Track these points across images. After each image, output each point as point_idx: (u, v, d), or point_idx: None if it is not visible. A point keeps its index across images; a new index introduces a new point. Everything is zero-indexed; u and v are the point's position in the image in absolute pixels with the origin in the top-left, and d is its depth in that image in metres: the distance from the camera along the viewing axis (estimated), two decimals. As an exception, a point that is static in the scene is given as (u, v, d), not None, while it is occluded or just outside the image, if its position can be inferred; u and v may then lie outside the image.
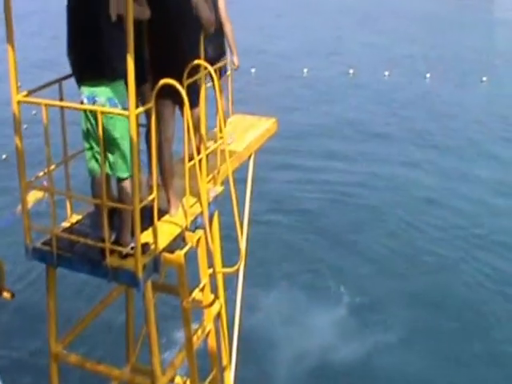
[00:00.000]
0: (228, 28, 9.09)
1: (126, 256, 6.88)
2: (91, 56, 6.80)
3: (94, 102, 6.80)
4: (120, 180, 6.99)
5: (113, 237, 6.99)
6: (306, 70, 30.70)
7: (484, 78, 30.48)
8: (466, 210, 18.87)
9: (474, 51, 36.59)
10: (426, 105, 27.21)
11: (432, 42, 38.25)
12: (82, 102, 6.90)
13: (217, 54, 9.00)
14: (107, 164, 6.93)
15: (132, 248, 6.82)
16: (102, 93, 6.79)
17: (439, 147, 22.96)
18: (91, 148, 6.99)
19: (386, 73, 30.87)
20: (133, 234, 6.76)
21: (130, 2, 6.06)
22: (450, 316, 15.07)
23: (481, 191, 19.85)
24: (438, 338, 14.48)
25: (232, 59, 9.45)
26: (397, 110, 26.64)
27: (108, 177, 7.12)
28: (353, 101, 27.34)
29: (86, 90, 6.84)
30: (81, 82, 6.92)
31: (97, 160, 6.96)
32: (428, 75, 30.65)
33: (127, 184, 6.92)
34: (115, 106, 6.75)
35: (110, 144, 6.84)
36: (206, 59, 8.00)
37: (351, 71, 30.85)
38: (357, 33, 40.25)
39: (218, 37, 8.88)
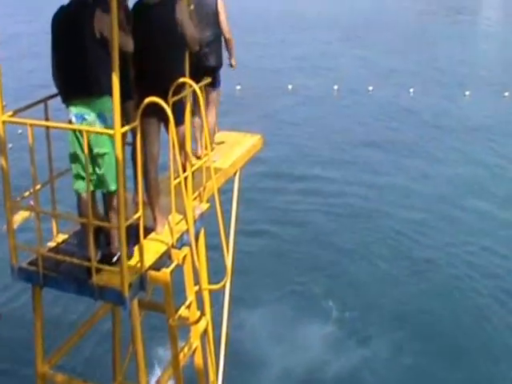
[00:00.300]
0: (229, 39, 9.65)
1: (115, 262, 6.94)
2: (78, 74, 6.85)
3: (83, 120, 6.84)
4: (110, 194, 7.03)
5: (99, 254, 7.00)
6: (290, 86, 30.77)
7: (467, 92, 30.66)
8: (457, 219, 18.89)
9: (458, 65, 36.94)
10: (409, 119, 27.32)
11: (416, 56, 38.56)
12: (70, 121, 6.93)
13: (217, 63, 9.58)
14: (96, 180, 6.98)
15: (118, 259, 6.86)
16: (91, 109, 6.84)
17: (426, 158, 23.04)
18: (78, 166, 7.01)
19: (370, 88, 30.99)
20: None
21: (115, 28, 6.09)
22: (438, 333, 15.01)
23: (469, 199, 19.93)
24: (427, 356, 14.44)
25: (231, 61, 10.07)
26: (380, 123, 26.72)
27: (94, 195, 7.17)
28: (337, 116, 27.41)
29: (74, 109, 6.88)
30: (68, 100, 6.96)
31: (83, 178, 6.98)
32: (412, 90, 30.78)
33: (116, 199, 6.95)
34: (105, 122, 6.80)
35: (98, 159, 6.88)
36: (208, 67, 9.13)
37: (335, 87, 30.94)
38: (341, 48, 40.45)
39: (218, 47, 9.52)
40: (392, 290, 16.13)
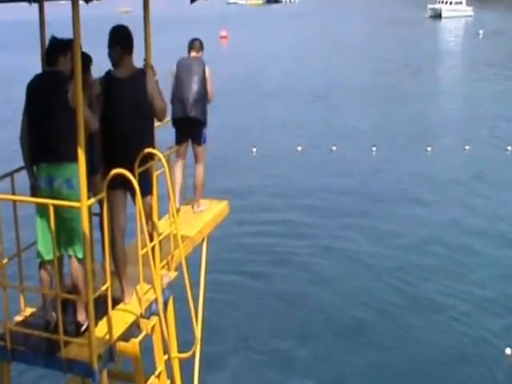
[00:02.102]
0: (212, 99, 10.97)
1: (83, 332, 6.92)
2: (49, 140, 6.96)
3: (52, 185, 6.90)
4: (78, 260, 7.05)
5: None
6: (254, 150, 30.99)
7: (429, 148, 31.16)
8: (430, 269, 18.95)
9: (419, 121, 37.50)
10: (372, 177, 27.61)
11: (379, 115, 39.11)
12: (39, 187, 7.00)
13: (201, 118, 10.67)
14: (64, 243, 7.00)
15: (86, 329, 6.84)
16: (60, 174, 6.90)
17: (388, 218, 23.20)
18: (45, 232, 7.03)
19: (334, 147, 31.29)
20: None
21: (81, 107, 6.20)
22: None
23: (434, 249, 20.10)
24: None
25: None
26: (342, 181, 26.98)
27: (60, 264, 7.21)
28: (300, 176, 27.57)
29: (44, 173, 6.96)
30: (37, 164, 7.03)
31: (48, 244, 7.01)
32: (374, 148, 31.14)
33: (83, 266, 6.97)
34: (72, 187, 6.85)
35: (66, 224, 6.92)
36: (193, 119, 10.51)
37: (299, 148, 31.20)
38: (306, 109, 40.93)
39: (203, 106, 10.66)
40: (379, 346, 15.74)
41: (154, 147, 7.60)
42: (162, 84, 8.01)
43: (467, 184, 26.77)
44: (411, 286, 18.15)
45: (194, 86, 10.57)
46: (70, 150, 6.75)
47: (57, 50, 7.22)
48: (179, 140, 10.81)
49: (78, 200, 6.60)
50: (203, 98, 10.72)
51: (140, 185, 7.14)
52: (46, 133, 6.99)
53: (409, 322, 16.49)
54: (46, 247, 7.05)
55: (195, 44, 11.00)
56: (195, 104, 10.57)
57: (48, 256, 7.06)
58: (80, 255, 7.01)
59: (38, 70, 7.57)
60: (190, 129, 10.76)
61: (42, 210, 6.99)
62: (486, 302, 17.33)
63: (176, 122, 10.71)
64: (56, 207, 6.76)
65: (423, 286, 18.27)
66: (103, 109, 7.31)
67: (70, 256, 7.13)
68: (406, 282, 18.35)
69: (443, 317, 16.68)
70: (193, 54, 10.92)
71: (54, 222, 6.77)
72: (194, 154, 10.94)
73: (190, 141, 10.84)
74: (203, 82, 10.69)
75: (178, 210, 10.30)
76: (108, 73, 7.58)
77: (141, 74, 7.53)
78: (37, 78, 7.23)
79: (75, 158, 6.66)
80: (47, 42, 7.40)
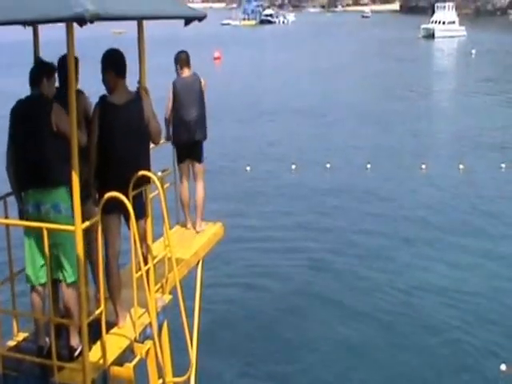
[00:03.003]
0: None
1: (77, 357, 6.86)
2: (34, 165, 6.94)
3: (39, 209, 6.86)
4: (68, 285, 6.99)
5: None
6: (248, 168, 30.97)
7: (423, 166, 31.23)
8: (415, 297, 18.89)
9: (414, 139, 37.70)
10: (366, 195, 27.60)
11: (373, 133, 39.18)
12: (27, 211, 6.97)
13: (202, 138, 10.74)
14: (55, 268, 6.95)
15: (79, 354, 6.78)
16: (47, 199, 6.87)
17: (383, 235, 23.18)
18: (34, 256, 6.98)
19: (328, 165, 31.30)
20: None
21: (74, 127, 6.17)
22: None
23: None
24: None
25: None
26: (336, 199, 26.97)
27: (55, 287, 7.16)
28: (294, 195, 27.54)
29: (31, 198, 6.93)
30: (24, 190, 6.98)
31: (37, 268, 6.96)
32: (369, 166, 31.18)
33: (75, 290, 6.91)
34: (59, 212, 6.82)
35: (54, 249, 6.87)
36: (194, 142, 10.61)
37: (293, 166, 31.20)
38: (299, 127, 41.03)
39: (203, 123, 10.71)
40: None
41: (149, 170, 7.56)
42: (155, 105, 7.98)
43: (463, 201, 26.80)
44: (404, 305, 18.08)
45: (197, 108, 10.57)
46: (57, 175, 6.73)
47: (41, 72, 7.21)
48: (182, 160, 10.77)
49: (66, 224, 6.56)
50: (205, 117, 10.76)
51: (134, 208, 7.09)
52: (31, 159, 6.97)
53: (406, 338, 16.46)
54: (34, 271, 7.02)
55: (185, 58, 10.75)
56: (199, 126, 10.61)
57: (37, 280, 7.01)
58: (69, 280, 6.96)
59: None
60: (193, 149, 10.78)
61: (30, 234, 6.95)
62: (481, 318, 17.31)
63: (179, 145, 10.70)
64: (39, 235, 6.73)
65: (420, 302, 18.26)
66: (99, 134, 7.26)
67: (60, 281, 7.08)
68: (401, 301, 18.30)
69: (439, 332, 16.68)
70: (186, 71, 10.71)
71: (42, 246, 6.73)
72: (193, 172, 10.89)
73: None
74: (203, 99, 10.72)
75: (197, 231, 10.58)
76: (103, 98, 7.49)
77: (137, 99, 7.49)
78: (20, 103, 7.17)
79: (62, 183, 6.65)
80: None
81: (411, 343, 16.22)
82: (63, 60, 7.24)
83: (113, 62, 7.56)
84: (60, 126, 6.84)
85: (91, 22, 5.61)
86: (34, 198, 6.91)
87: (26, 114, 7.03)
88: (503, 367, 14.88)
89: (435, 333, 16.66)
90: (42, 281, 6.99)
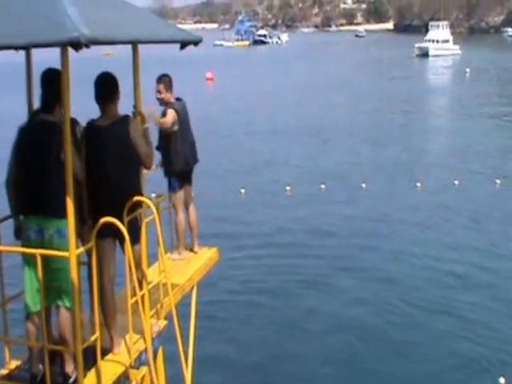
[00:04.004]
0: None
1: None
2: (40, 193, 6.85)
3: (43, 235, 6.79)
4: (65, 310, 6.92)
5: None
6: (243, 191, 30.91)
7: (418, 184, 31.30)
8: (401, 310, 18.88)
9: (408, 158, 37.86)
10: (362, 214, 27.63)
11: (367, 152, 39.36)
12: (28, 237, 6.88)
13: (196, 160, 10.75)
14: (53, 293, 6.88)
15: (74, 381, 6.74)
16: (51, 224, 6.79)
17: (381, 254, 23.17)
18: (33, 283, 6.92)
19: (322, 186, 31.29)
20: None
21: (70, 152, 6.13)
22: None
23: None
24: None
25: None
26: (332, 220, 26.98)
27: (48, 315, 7.09)
28: (289, 218, 27.48)
29: (34, 223, 6.85)
30: (26, 215, 6.91)
31: (35, 295, 6.89)
32: (364, 185, 31.20)
33: (70, 316, 6.85)
34: (63, 237, 6.73)
35: (56, 275, 6.80)
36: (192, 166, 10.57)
37: (288, 188, 31.17)
38: (292, 148, 41.10)
39: (195, 145, 10.70)
40: None
41: (141, 194, 7.50)
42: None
43: (458, 218, 26.94)
44: (401, 317, 18.21)
45: (192, 132, 10.65)
46: (60, 207, 6.63)
47: (55, 99, 6.93)
48: (181, 185, 10.59)
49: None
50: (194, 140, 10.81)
51: (129, 233, 7.04)
52: (36, 185, 6.86)
53: (402, 349, 16.58)
54: (33, 298, 6.94)
55: (168, 82, 10.47)
56: (196, 150, 10.74)
57: (35, 308, 6.94)
58: (68, 304, 6.89)
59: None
60: (191, 173, 10.77)
61: (29, 261, 6.87)
62: (480, 330, 17.38)
63: (187, 169, 10.61)
64: (45, 257, 6.65)
65: (416, 314, 18.45)
66: (87, 158, 7.21)
67: (57, 306, 7.00)
68: (399, 314, 18.41)
69: (437, 343, 16.75)
70: (172, 95, 10.48)
71: (43, 272, 6.67)
72: (186, 197, 10.73)
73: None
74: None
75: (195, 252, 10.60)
76: (90, 122, 7.48)
77: (123, 122, 7.41)
78: (31, 125, 7.06)
79: (65, 215, 6.58)
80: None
81: (408, 355, 16.31)
82: (49, 75, 7.14)
83: (101, 86, 7.52)
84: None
85: (87, 46, 5.60)
86: (37, 223, 6.83)
87: (34, 140, 6.90)
88: (502, 380, 14.88)
89: (433, 344, 16.74)
90: (39, 307, 6.92)
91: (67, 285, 6.79)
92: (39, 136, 6.93)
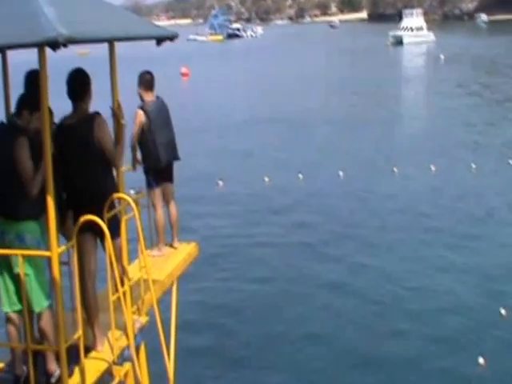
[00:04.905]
0: None
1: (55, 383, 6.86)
2: (2, 194, 6.85)
3: (3, 239, 6.84)
4: (38, 313, 6.95)
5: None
6: (221, 183, 30.95)
7: (395, 169, 31.53)
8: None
9: (385, 145, 38.31)
10: (341, 202, 27.84)
11: (344, 141, 39.69)
12: None
13: (173, 157, 10.79)
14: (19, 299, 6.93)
15: (58, 379, 6.78)
16: (11, 228, 6.82)
17: (361, 244, 23.30)
18: (6, 282, 6.96)
19: (300, 175, 31.41)
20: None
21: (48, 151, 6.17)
22: None
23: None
24: None
25: None
26: (310, 209, 27.16)
27: (31, 316, 7.12)
28: (268, 209, 27.58)
29: None
30: None
31: (11, 294, 6.95)
32: (341, 173, 31.35)
33: (49, 316, 6.89)
34: (24, 243, 6.76)
35: (23, 279, 6.81)
36: (167, 163, 10.62)
37: (266, 178, 31.26)
38: (269, 139, 41.25)
39: (174, 145, 10.77)
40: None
41: (111, 191, 7.56)
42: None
43: (435, 202, 27.32)
44: (383, 307, 18.34)
45: (171, 128, 10.67)
46: (26, 208, 6.67)
47: (24, 105, 6.99)
48: (159, 182, 10.66)
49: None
50: (173, 137, 10.85)
51: (108, 229, 7.10)
52: (1, 187, 6.89)
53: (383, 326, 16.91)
54: (9, 299, 6.96)
55: (149, 80, 10.58)
56: (173, 148, 10.74)
57: (11, 307, 6.97)
58: (37, 309, 6.90)
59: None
60: (169, 170, 10.81)
61: (0, 263, 6.91)
62: (459, 312, 17.72)
63: (160, 167, 10.62)
64: (8, 262, 6.74)
65: (395, 296, 18.80)
66: (60, 155, 7.25)
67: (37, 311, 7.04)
68: (377, 302, 18.55)
69: (416, 325, 17.08)
70: (150, 94, 10.55)
71: (12, 273, 6.74)
72: (166, 193, 10.81)
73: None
74: (171, 121, 10.78)
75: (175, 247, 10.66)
76: (61, 119, 7.56)
77: (90, 119, 7.44)
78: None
79: (29, 216, 6.61)
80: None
81: (387, 336, 16.60)
82: (31, 76, 7.19)
83: (71, 83, 7.56)
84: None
85: (65, 45, 5.61)
86: (1, 227, 6.87)
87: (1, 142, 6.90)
88: (481, 360, 15.06)
89: (412, 325, 17.05)
90: (16, 308, 6.94)
91: (32, 289, 6.81)
92: (2, 138, 6.93)
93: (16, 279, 6.83)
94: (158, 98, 10.64)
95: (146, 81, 10.53)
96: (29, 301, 6.91)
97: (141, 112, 10.35)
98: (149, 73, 10.63)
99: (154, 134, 10.40)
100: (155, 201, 10.62)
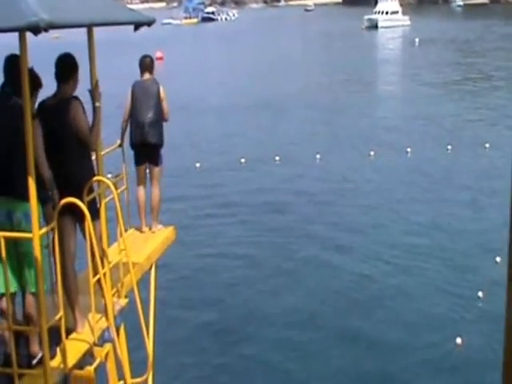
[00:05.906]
0: (167, 119, 11.22)
1: (37, 364, 6.91)
2: (5, 174, 6.93)
3: (11, 218, 6.90)
4: (32, 294, 7.02)
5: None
6: (198, 165, 30.98)
7: (372, 152, 31.76)
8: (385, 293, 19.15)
9: (361, 128, 38.53)
10: (318, 184, 28.05)
11: (320, 124, 40.05)
12: None
13: (157, 141, 10.97)
14: (23, 279, 7.00)
15: (40, 360, 6.85)
16: (19, 207, 6.88)
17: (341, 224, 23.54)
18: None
19: (277, 157, 31.54)
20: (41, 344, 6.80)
21: (30, 133, 6.23)
22: None
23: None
24: None
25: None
26: (287, 191, 27.38)
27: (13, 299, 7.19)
28: (246, 190, 27.67)
29: (3, 206, 6.93)
30: None
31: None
32: (318, 156, 31.50)
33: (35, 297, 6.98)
34: (30, 222, 6.80)
35: (24, 259, 6.91)
36: (149, 144, 10.81)
37: (243, 160, 31.35)
38: (246, 122, 41.50)
39: (159, 127, 10.98)
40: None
41: (94, 175, 7.69)
42: (106, 109, 8.06)
43: (411, 184, 27.68)
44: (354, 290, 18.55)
45: (151, 110, 10.79)
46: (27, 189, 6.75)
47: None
48: (138, 162, 11.02)
49: None
50: (159, 120, 10.97)
51: (88, 210, 7.19)
52: (4, 168, 6.96)
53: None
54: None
55: (147, 63, 11.17)
56: (152, 128, 10.81)
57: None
58: (34, 290, 6.99)
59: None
60: (148, 152, 10.98)
61: None
62: (436, 292, 18.08)
63: (134, 146, 10.89)
64: (14, 241, 6.80)
65: (373, 276, 19.21)
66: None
67: (23, 290, 7.12)
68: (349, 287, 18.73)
69: (394, 306, 17.46)
70: (146, 75, 11.09)
71: (13, 257, 6.82)
72: (150, 175, 11.12)
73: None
74: (159, 104, 10.92)
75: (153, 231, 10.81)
76: (42, 101, 7.66)
77: (66, 102, 7.56)
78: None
79: (17, 194, 6.74)
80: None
81: (366, 316, 16.93)
82: (12, 60, 7.17)
83: (57, 65, 7.72)
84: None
85: (46, 30, 5.66)
86: (6, 207, 6.92)
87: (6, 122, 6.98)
88: (459, 340, 15.39)
89: (390, 306, 17.41)
90: (2, 290, 7.01)
91: (33, 269, 6.89)
92: (12, 119, 6.95)
93: (17, 261, 6.90)
94: (153, 80, 11.12)
95: (140, 63, 11.16)
96: (27, 280, 7.00)
97: (129, 90, 10.90)
98: (146, 56, 11.28)
99: (134, 112, 10.80)
100: (136, 180, 10.97)
